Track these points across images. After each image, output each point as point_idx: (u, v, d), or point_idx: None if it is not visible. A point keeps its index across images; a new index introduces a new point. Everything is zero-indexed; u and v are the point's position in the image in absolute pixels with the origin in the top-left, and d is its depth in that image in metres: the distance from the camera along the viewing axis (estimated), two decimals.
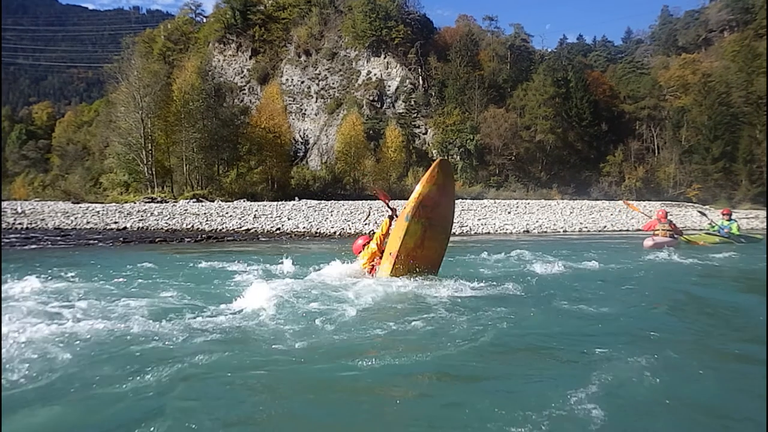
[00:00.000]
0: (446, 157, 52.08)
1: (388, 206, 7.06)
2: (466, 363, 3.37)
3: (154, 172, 38.34)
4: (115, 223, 20.57)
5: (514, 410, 2.53)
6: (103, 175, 46.68)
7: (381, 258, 6.42)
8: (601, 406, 2.55)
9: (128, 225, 20.14)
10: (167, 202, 30.93)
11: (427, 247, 6.26)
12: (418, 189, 6.13)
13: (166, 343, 3.51)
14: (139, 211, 23.90)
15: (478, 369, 3.29)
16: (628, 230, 25.65)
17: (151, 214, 23.27)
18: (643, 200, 44.15)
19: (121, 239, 15.81)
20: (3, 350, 3.14)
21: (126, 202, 30.89)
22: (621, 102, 64.25)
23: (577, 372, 3.05)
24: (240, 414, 2.59)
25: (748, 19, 70.35)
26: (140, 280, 6.24)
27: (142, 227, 20.00)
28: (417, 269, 6.22)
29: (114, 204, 29.21)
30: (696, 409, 2.68)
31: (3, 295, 4.61)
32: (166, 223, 21.01)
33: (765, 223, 30.80)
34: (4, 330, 3.47)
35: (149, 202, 29.90)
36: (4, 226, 18.68)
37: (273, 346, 3.55)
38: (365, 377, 3.06)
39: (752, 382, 3.06)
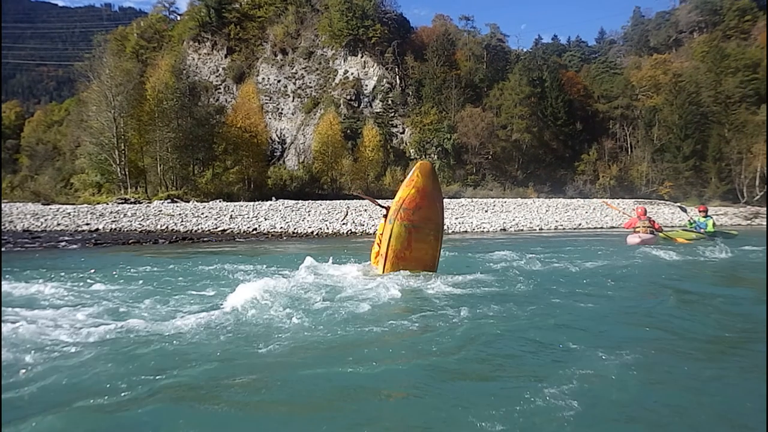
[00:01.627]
0: (424, 157, 52.37)
1: (380, 206, 7.04)
2: (448, 363, 3.34)
3: (127, 173, 37.61)
4: (87, 224, 20.12)
5: (496, 409, 2.49)
6: (74, 176, 45.66)
7: None
8: (582, 402, 2.53)
9: (101, 226, 19.73)
10: (141, 202, 30.36)
11: (416, 249, 6.35)
12: (399, 192, 6.34)
13: (145, 346, 3.40)
14: (111, 213, 23.43)
15: (460, 368, 3.25)
16: (602, 227, 26.05)
17: (125, 215, 22.83)
18: (617, 198, 44.93)
19: (93, 241, 15.46)
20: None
21: (98, 203, 30.24)
22: (595, 101, 65.20)
23: (561, 369, 3.02)
24: (230, 416, 2.51)
25: (716, 20, 72.04)
26: (113, 282, 6.06)
27: (115, 229, 19.60)
28: (409, 270, 6.26)
29: (86, 205, 28.56)
30: (678, 406, 2.67)
31: None
32: (140, 224, 20.63)
33: (734, 220, 31.61)
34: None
35: (122, 203, 29.32)
36: None
37: (256, 347, 3.48)
38: (341, 378, 3.01)
39: (733, 378, 3.07)
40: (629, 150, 60.69)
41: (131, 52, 63.23)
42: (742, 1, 72.14)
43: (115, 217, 22.01)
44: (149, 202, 30.46)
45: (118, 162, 37.05)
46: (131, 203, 29.50)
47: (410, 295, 5.26)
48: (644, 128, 58.32)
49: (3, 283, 5.29)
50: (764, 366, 2.97)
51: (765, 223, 29.04)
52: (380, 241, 6.69)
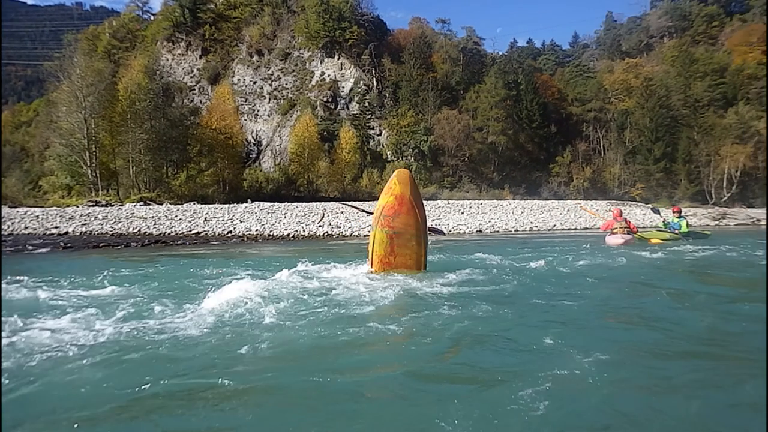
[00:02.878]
0: (400, 159, 52.52)
1: (368, 212, 7.35)
2: (428, 364, 3.33)
3: (98, 175, 36.83)
4: (56, 227, 19.62)
5: (475, 410, 2.48)
6: (43, 178, 44.48)
7: None
8: (559, 403, 2.53)
9: (70, 230, 19.25)
10: (113, 205, 29.76)
11: (399, 254, 6.54)
12: (379, 199, 6.61)
13: (121, 351, 3.30)
14: (82, 215, 22.88)
15: (439, 369, 3.24)
16: (576, 229, 26.41)
17: (95, 218, 22.33)
18: (591, 199, 45.61)
19: (62, 245, 15.08)
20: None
21: (68, 206, 29.53)
22: (569, 104, 66.22)
23: (540, 370, 3.02)
24: (214, 419, 2.46)
25: (685, 25, 73.86)
26: (82, 287, 5.89)
27: (86, 232, 19.16)
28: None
29: (55, 208, 27.88)
30: (660, 410, 2.68)
31: None
32: (112, 227, 20.21)
33: (702, 221, 32.33)
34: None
35: (93, 206, 28.70)
36: None
37: (235, 349, 3.42)
38: (317, 379, 2.96)
39: (706, 377, 3.10)
40: (602, 152, 61.76)
41: (103, 52, 62.10)
42: (710, 8, 74.09)
43: (85, 220, 21.51)
44: (121, 205, 29.89)
45: (88, 164, 36.27)
46: (102, 206, 28.89)
47: (390, 297, 5.22)
48: (616, 131, 59.45)
49: None
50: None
51: (733, 223, 29.77)
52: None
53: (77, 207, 28.66)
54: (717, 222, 32.23)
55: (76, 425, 2.37)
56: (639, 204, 41.52)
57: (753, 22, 68.94)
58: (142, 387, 2.78)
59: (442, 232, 9.99)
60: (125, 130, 37.61)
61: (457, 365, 3.35)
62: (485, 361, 3.41)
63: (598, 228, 16.74)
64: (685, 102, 57.88)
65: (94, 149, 36.44)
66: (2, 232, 18.15)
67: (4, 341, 3.42)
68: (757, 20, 69.55)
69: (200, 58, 63.84)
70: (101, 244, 15.42)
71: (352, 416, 2.58)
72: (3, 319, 3.94)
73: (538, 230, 25.36)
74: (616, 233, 13.06)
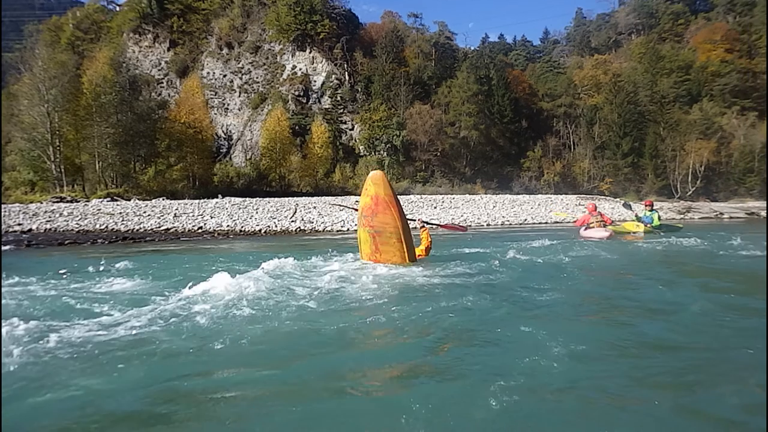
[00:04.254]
0: (373, 153, 52.45)
1: (355, 209, 8.09)
2: (413, 355, 3.31)
3: (63, 170, 35.80)
4: (19, 224, 19.00)
5: (452, 403, 2.44)
6: (4, 174, 43.13)
7: None
8: (528, 397, 2.51)
9: (34, 227, 18.68)
10: (78, 201, 28.97)
11: (384, 251, 6.89)
12: (360, 200, 7.06)
13: (97, 347, 3.16)
14: (46, 212, 22.23)
15: (423, 362, 3.20)
16: (546, 223, 26.73)
17: (60, 214, 21.73)
18: (561, 194, 46.26)
19: (25, 242, 14.61)
20: None
21: (31, 203, 28.62)
22: (539, 100, 67.01)
23: (515, 360, 3.00)
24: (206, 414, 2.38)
25: (652, 23, 75.39)
26: (48, 286, 5.67)
27: (51, 229, 18.61)
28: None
29: (17, 204, 26.98)
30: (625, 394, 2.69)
31: None
32: (78, 223, 19.68)
33: (668, 215, 33.09)
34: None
35: (58, 202, 27.88)
36: None
37: (211, 345, 3.33)
38: (294, 371, 2.89)
39: (671, 366, 3.12)
40: (572, 147, 62.70)
41: (66, 43, 60.30)
42: (676, 6, 75.76)
43: (50, 217, 20.90)
44: (87, 201, 29.12)
45: (52, 159, 35.22)
46: (68, 202, 28.10)
47: (372, 289, 5.16)
48: (586, 126, 60.42)
49: None
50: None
51: (698, 217, 30.50)
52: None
53: (41, 203, 27.80)
54: (682, 216, 32.99)
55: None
56: (608, 198, 42.29)
57: (717, 21, 70.80)
58: (122, 387, 2.69)
59: (463, 228, 10.11)
60: (90, 124, 36.61)
61: (430, 357, 3.32)
62: (461, 354, 3.38)
63: (570, 222, 16.93)
64: (652, 98, 59.14)
65: (58, 144, 35.39)
66: None
67: None
68: (720, 19, 71.48)
69: (168, 50, 62.51)
70: (67, 242, 15.00)
71: (323, 409, 2.52)
72: None
73: (510, 224, 25.59)
74: (593, 227, 13.21)
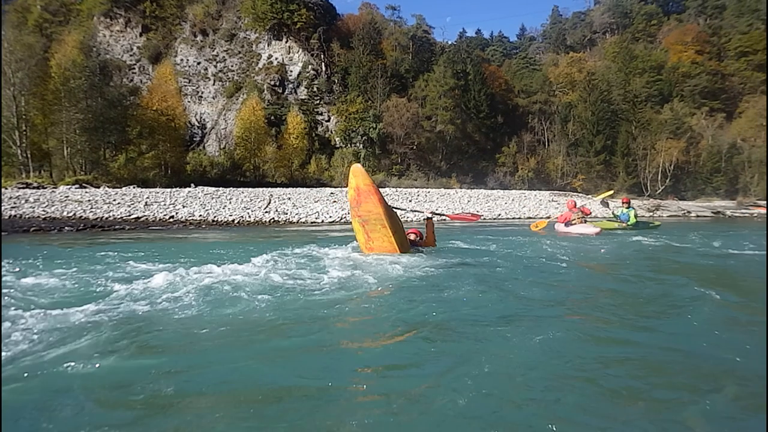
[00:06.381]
0: (349, 145, 52.29)
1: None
2: (398, 348, 3.27)
3: (29, 156, 34.74)
4: None
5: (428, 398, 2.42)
6: None
7: None
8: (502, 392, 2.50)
9: None
10: (45, 188, 28.18)
11: (375, 239, 7.28)
12: (347, 195, 7.42)
13: (76, 335, 3.04)
14: (11, 198, 21.57)
15: (407, 356, 3.16)
16: (520, 218, 27.04)
17: (26, 200, 21.14)
18: (534, 190, 46.78)
19: None
20: None
21: None
22: (515, 96, 67.59)
23: (485, 353, 2.99)
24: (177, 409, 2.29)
25: (626, 23, 76.67)
26: (13, 275, 5.47)
27: (16, 215, 18.10)
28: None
29: None
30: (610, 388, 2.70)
31: None
32: (44, 210, 19.19)
33: (638, 212, 33.74)
34: None
35: (23, 188, 27.07)
36: None
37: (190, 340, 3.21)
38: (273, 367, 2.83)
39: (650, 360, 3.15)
40: (546, 144, 63.46)
41: (34, 25, 58.30)
42: (650, 7, 77.10)
43: (15, 203, 20.32)
44: (55, 188, 28.36)
45: (18, 144, 34.16)
46: (34, 188, 27.31)
47: (343, 285, 5.11)
48: (560, 123, 61.21)
49: None
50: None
51: (662, 215, 31.16)
52: None
53: (6, 189, 26.98)
54: (651, 213, 33.70)
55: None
56: (580, 195, 42.93)
57: (688, 23, 72.31)
58: (102, 382, 2.58)
59: (476, 217, 9.44)
60: (59, 109, 35.57)
61: (407, 350, 3.29)
62: (435, 348, 3.35)
63: (544, 217, 17.07)
64: (625, 97, 60.23)
65: (24, 128, 34.34)
66: None
67: None
68: (692, 20, 72.99)
69: (140, 35, 61.11)
70: (32, 229, 14.60)
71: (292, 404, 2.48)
72: None
73: (484, 219, 25.78)
74: (575, 223, 13.35)
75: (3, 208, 19.03)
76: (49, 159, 36.70)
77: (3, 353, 2.88)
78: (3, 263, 6.07)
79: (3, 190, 26.07)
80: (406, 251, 7.48)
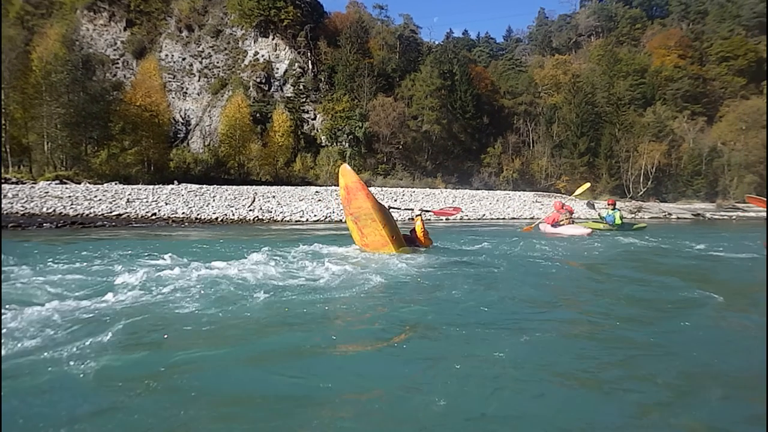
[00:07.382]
0: (335, 144, 52.17)
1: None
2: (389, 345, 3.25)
3: (8, 150, 34.18)
4: None
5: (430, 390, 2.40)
6: None
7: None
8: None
9: None
10: (24, 183, 27.70)
11: (368, 235, 7.40)
12: (339, 195, 7.68)
13: (65, 332, 2.97)
14: None
15: (398, 352, 3.14)
16: (504, 218, 27.18)
17: (5, 196, 20.74)
18: (519, 190, 47.08)
19: None
20: None
21: None
22: (501, 97, 67.93)
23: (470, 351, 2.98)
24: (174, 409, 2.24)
25: (611, 26, 77.50)
26: None
27: None
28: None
29: None
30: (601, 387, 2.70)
31: None
32: (23, 206, 18.85)
33: (625, 214, 34.10)
34: None
35: (2, 183, 26.62)
36: None
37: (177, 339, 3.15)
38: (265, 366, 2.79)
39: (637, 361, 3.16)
40: (531, 145, 63.90)
41: (15, 17, 57.32)
42: (634, 11, 78.03)
43: None
44: (34, 183, 27.89)
45: None
46: (13, 183, 26.84)
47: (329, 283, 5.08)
48: (545, 125, 61.70)
49: None
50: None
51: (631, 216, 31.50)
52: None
53: None
54: (633, 215, 34.07)
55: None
56: (564, 196, 43.28)
57: (671, 27, 73.29)
58: (94, 382, 2.52)
59: (457, 210, 10.21)
60: (39, 103, 35.01)
61: (391, 352, 3.27)
62: (420, 346, 3.34)
63: (530, 217, 17.18)
64: (609, 99, 60.88)
65: (3, 122, 33.75)
66: None
67: None
68: (675, 25, 74.00)
69: (124, 30, 60.30)
70: (10, 225, 14.32)
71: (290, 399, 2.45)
72: None
73: (469, 219, 25.88)
74: (564, 224, 13.45)
75: None
76: (28, 154, 36.11)
77: None
78: None
79: None
80: (401, 245, 7.58)
